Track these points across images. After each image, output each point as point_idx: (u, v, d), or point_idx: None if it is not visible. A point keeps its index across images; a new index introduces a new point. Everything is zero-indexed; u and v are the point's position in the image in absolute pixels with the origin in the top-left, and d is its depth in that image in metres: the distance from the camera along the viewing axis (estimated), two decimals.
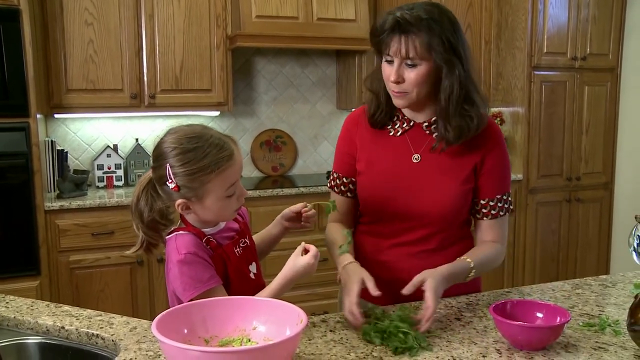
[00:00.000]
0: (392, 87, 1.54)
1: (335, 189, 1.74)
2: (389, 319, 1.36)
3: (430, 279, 1.38)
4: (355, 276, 1.44)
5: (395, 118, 1.65)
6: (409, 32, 1.46)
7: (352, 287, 1.41)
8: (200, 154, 1.33)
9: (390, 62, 1.51)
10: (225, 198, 1.37)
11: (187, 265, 1.35)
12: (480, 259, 1.56)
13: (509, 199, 1.65)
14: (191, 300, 1.31)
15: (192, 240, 1.38)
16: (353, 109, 3.48)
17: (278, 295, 1.36)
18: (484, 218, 1.63)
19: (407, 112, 1.64)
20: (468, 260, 1.52)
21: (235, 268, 1.43)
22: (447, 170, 1.59)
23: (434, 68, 1.50)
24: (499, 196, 1.62)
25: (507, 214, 1.64)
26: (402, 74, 1.50)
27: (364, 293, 1.43)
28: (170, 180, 1.34)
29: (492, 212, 1.62)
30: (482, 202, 1.62)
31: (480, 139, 1.59)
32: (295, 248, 1.38)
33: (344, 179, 1.72)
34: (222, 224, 1.47)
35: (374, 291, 1.38)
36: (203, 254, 1.37)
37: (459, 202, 1.60)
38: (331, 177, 1.77)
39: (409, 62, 1.49)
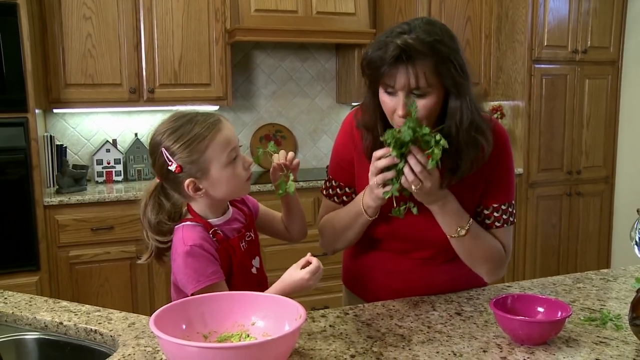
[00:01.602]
0: (398, 122, 1.36)
1: (332, 198, 1.62)
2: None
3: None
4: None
5: None
6: (415, 60, 1.30)
7: (372, 183, 1.38)
8: (189, 126, 1.34)
9: (392, 93, 1.36)
10: (229, 165, 1.36)
11: (192, 257, 1.34)
12: (479, 230, 1.47)
13: (514, 211, 1.55)
14: (193, 294, 1.31)
15: (199, 232, 1.37)
16: (353, 103, 3.44)
17: None
18: (490, 229, 1.52)
19: None
20: (469, 218, 1.44)
21: (240, 262, 1.42)
22: (459, 191, 1.46)
23: (443, 92, 1.36)
24: (504, 207, 1.51)
25: (508, 225, 1.53)
26: (408, 106, 1.33)
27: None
28: (170, 163, 1.34)
29: (497, 223, 1.51)
30: (486, 212, 1.51)
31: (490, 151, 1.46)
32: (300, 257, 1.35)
33: (341, 187, 1.61)
34: (229, 214, 1.45)
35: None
36: (209, 247, 1.36)
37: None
38: (327, 183, 1.65)
39: (416, 92, 1.33)
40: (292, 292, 1.31)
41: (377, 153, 1.35)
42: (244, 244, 1.45)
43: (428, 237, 1.52)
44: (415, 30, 1.32)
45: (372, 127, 1.46)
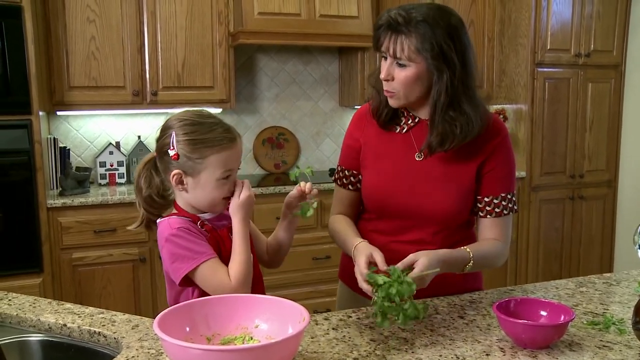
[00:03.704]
0: (384, 86, 1.54)
1: (339, 182, 1.74)
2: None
3: (423, 258, 1.37)
4: (364, 251, 1.43)
5: (401, 115, 1.63)
6: (399, 32, 1.46)
7: (360, 260, 1.40)
8: (207, 128, 1.40)
9: (385, 57, 1.52)
10: (219, 181, 1.39)
11: (180, 238, 1.37)
12: (479, 252, 1.54)
13: (514, 198, 1.62)
14: (190, 275, 1.35)
15: (183, 220, 1.41)
16: (356, 106, 3.46)
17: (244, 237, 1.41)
18: (487, 216, 1.60)
19: (413, 110, 1.62)
20: (467, 250, 1.51)
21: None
22: (450, 170, 1.58)
23: (426, 71, 1.48)
24: (503, 194, 1.60)
25: (510, 213, 1.61)
26: (392, 72, 1.50)
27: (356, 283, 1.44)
28: (172, 147, 1.38)
29: (496, 210, 1.59)
30: (486, 199, 1.60)
31: (486, 139, 1.57)
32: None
33: (347, 172, 1.72)
34: (218, 212, 1.47)
35: (382, 265, 1.36)
36: (196, 231, 1.40)
37: (459, 204, 1.59)
38: (337, 174, 1.76)
39: (399, 61, 1.48)
40: (249, 212, 1.41)
41: (363, 275, 1.38)
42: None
43: (421, 210, 1.59)
44: (416, 9, 1.46)
45: (378, 89, 1.60)
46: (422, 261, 1.36)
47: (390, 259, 1.48)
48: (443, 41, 1.44)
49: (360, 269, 1.38)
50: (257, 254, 1.58)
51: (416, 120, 1.61)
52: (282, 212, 1.57)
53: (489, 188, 1.60)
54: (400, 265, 1.36)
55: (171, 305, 1.42)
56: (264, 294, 1.45)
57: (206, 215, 1.45)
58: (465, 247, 1.52)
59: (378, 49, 1.53)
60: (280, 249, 1.61)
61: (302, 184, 1.50)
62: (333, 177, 1.79)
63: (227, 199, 1.42)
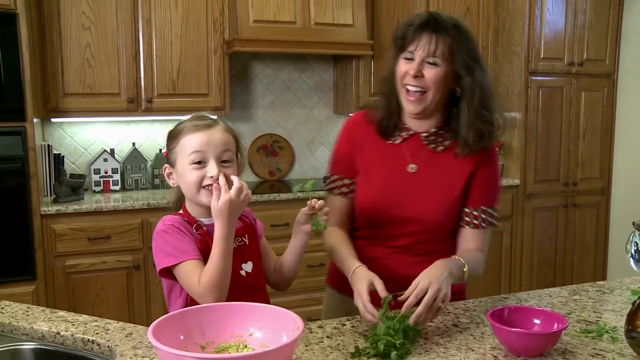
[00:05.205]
0: (409, 82, 1.55)
1: (335, 191, 1.73)
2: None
3: (434, 283, 1.35)
4: (364, 278, 1.43)
5: (395, 127, 1.66)
6: (439, 31, 1.52)
7: (361, 288, 1.40)
8: (186, 120, 1.46)
9: (409, 59, 1.55)
10: (191, 166, 1.41)
11: (168, 234, 1.40)
12: (469, 261, 1.54)
13: (495, 213, 1.65)
14: (171, 269, 1.37)
15: (178, 219, 1.44)
16: (350, 114, 3.47)
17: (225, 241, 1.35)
18: (466, 226, 1.64)
19: (408, 122, 1.65)
20: (458, 258, 1.51)
21: None
22: (441, 181, 1.62)
23: (452, 74, 1.55)
24: (484, 207, 1.63)
25: (489, 227, 1.65)
26: (421, 70, 1.53)
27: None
28: (165, 149, 1.50)
29: (475, 221, 1.63)
30: (467, 210, 1.63)
31: (477, 153, 1.61)
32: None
33: (346, 180, 1.71)
34: (204, 204, 1.46)
35: (382, 293, 1.37)
36: (186, 230, 1.42)
37: (449, 214, 1.62)
38: (329, 179, 1.75)
39: (431, 60, 1.53)
40: (231, 216, 1.34)
41: (365, 304, 1.38)
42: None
43: (411, 220, 1.61)
44: (443, 14, 1.57)
45: (389, 96, 1.64)
46: (434, 287, 1.35)
47: (379, 266, 1.51)
48: (473, 47, 1.57)
49: (363, 299, 1.38)
50: (264, 272, 1.57)
51: (410, 133, 1.65)
52: (293, 230, 1.53)
53: (475, 200, 1.63)
54: (411, 297, 1.34)
55: (167, 297, 1.48)
56: (267, 302, 1.41)
57: (206, 220, 1.46)
58: (454, 256, 1.53)
59: (402, 49, 1.57)
60: (282, 271, 1.57)
61: (313, 201, 1.47)
62: (326, 186, 1.78)
63: (208, 190, 1.40)
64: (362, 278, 1.44)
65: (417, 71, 1.53)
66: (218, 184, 1.36)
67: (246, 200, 1.38)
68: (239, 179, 1.39)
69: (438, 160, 1.63)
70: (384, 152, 1.66)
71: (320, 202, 1.47)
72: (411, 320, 1.31)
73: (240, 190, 1.36)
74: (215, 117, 1.51)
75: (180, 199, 1.53)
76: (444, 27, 1.52)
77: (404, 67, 1.57)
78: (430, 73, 1.53)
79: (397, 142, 1.65)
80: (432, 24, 1.53)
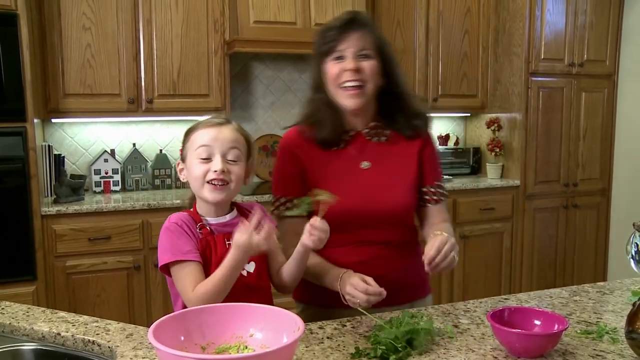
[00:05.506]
0: (347, 78, 1.58)
1: (289, 213, 1.64)
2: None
3: (449, 237, 1.47)
4: (355, 276, 1.49)
5: (334, 134, 1.69)
6: (365, 27, 1.61)
7: (356, 282, 1.46)
8: (202, 119, 1.51)
9: (340, 58, 1.59)
10: (197, 160, 1.44)
11: (170, 232, 1.42)
12: (447, 231, 1.57)
13: (443, 185, 1.78)
14: (169, 266, 1.40)
15: (184, 216, 1.46)
16: None
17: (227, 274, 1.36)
18: (428, 204, 1.73)
19: (350, 122, 1.68)
20: (441, 233, 1.51)
21: (220, 259, 1.40)
22: (398, 168, 1.68)
23: (380, 65, 1.62)
24: (437, 182, 1.75)
25: (445, 198, 1.77)
26: (358, 65, 1.58)
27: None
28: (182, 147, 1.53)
29: (434, 197, 1.73)
30: (424, 189, 1.73)
31: (417, 134, 1.72)
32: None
33: (295, 201, 1.62)
34: (227, 218, 1.50)
35: (376, 287, 1.43)
36: (188, 229, 1.43)
37: (411, 198, 1.69)
38: (279, 202, 1.70)
39: (364, 53, 1.59)
40: (248, 254, 1.34)
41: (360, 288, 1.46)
42: (230, 242, 1.43)
43: (375, 213, 1.65)
44: (362, 12, 1.68)
45: (333, 107, 1.65)
46: (451, 240, 1.46)
47: (362, 267, 1.55)
48: (386, 39, 1.68)
49: (359, 287, 1.44)
50: (269, 272, 1.57)
51: (351, 134, 1.69)
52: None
53: (429, 177, 1.73)
54: (433, 250, 1.42)
55: (170, 290, 1.51)
56: (269, 303, 1.38)
57: (212, 220, 1.48)
58: (435, 232, 1.55)
59: (330, 52, 1.60)
60: (282, 277, 1.55)
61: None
62: (275, 210, 1.72)
63: (212, 185, 1.43)
64: (352, 276, 1.49)
65: (355, 65, 1.57)
66: (248, 214, 1.42)
67: (269, 245, 1.37)
68: (270, 224, 1.36)
69: (386, 151, 1.69)
70: (333, 160, 1.67)
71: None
72: (426, 262, 1.42)
73: (269, 235, 1.34)
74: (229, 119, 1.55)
75: (193, 197, 1.55)
76: (368, 23, 1.62)
77: (336, 67, 1.60)
78: (366, 65, 1.58)
79: (342, 146, 1.68)
80: (358, 21, 1.60)
